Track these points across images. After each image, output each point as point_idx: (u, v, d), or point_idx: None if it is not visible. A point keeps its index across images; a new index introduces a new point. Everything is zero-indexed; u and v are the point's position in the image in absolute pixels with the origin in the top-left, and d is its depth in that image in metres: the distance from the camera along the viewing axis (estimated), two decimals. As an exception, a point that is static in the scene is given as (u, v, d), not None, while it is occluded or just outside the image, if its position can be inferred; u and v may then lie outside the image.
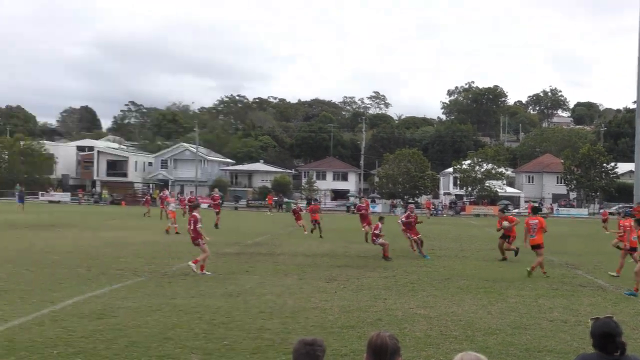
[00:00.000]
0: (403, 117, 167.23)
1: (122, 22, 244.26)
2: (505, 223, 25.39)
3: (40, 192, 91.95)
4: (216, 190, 46.53)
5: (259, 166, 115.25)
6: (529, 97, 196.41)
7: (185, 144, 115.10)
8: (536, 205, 33.34)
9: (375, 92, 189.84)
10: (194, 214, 19.94)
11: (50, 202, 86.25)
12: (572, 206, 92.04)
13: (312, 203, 42.18)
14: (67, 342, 10.56)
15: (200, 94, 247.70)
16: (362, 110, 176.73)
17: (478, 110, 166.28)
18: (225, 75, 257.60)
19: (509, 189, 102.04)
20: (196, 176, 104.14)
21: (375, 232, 25.02)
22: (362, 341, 10.79)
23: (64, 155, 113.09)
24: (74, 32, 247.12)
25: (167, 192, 46.74)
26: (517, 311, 14.19)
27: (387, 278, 19.25)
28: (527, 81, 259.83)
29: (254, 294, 15.80)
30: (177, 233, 33.57)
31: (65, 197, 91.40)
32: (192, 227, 19.60)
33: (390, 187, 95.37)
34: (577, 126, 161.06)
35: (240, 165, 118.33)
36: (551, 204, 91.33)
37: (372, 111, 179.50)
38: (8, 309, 13.27)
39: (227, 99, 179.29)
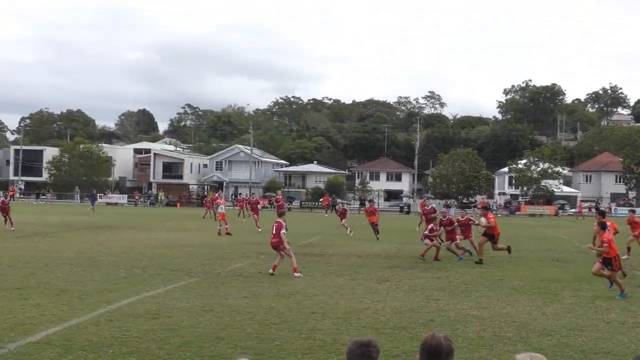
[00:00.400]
0: (458, 116, 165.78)
1: (178, 26, 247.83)
2: (483, 220, 24.51)
3: (99, 194, 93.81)
4: (278, 192, 46.54)
5: (313, 167, 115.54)
6: (588, 94, 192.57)
7: (239, 146, 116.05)
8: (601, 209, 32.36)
9: (430, 92, 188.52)
10: (279, 220, 19.90)
11: (108, 204, 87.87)
12: (631, 205, 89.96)
13: (368, 204, 40.50)
14: (122, 342, 10.74)
15: (255, 95, 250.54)
16: (416, 110, 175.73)
17: (535, 109, 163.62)
18: (279, 77, 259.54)
19: (566, 189, 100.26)
20: (250, 177, 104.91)
21: (426, 232, 24.89)
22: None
23: (122, 157, 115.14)
24: (131, 37, 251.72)
25: (218, 194, 47.06)
26: (572, 312, 13.93)
27: (440, 279, 19.10)
28: (586, 78, 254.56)
29: (305, 294, 15.84)
30: (228, 234, 33.78)
31: (123, 199, 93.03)
32: (275, 232, 19.57)
33: (444, 187, 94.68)
34: (638, 124, 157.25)
35: (294, 167, 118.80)
36: (609, 204, 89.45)
37: (426, 111, 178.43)
38: (66, 308, 13.55)
39: (281, 101, 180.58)
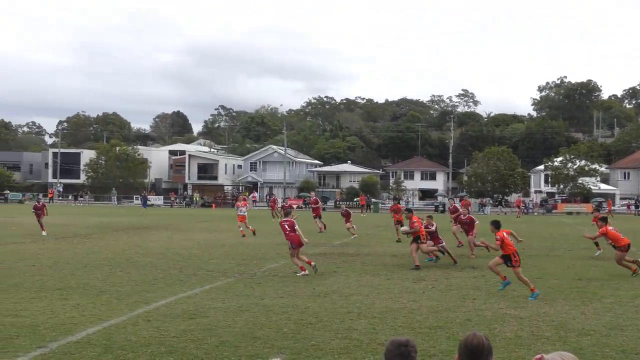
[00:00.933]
0: (492, 114, 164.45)
1: (210, 29, 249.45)
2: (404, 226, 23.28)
3: (135, 196, 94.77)
4: (312, 193, 46.29)
5: (347, 167, 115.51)
6: (625, 90, 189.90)
7: (273, 146, 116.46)
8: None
9: (463, 90, 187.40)
10: (289, 219, 19.98)
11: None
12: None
13: (394, 203, 39.71)
14: (160, 342, 10.85)
15: (288, 96, 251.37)
16: (450, 109, 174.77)
17: (570, 106, 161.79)
18: (312, 77, 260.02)
19: (603, 186, 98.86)
20: (284, 178, 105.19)
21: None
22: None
23: (157, 159, 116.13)
24: (165, 41, 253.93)
25: (248, 196, 46.92)
26: (612, 311, 13.74)
27: (476, 278, 18.98)
28: (623, 74, 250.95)
29: (341, 294, 15.84)
30: (243, 236, 33.21)
31: (158, 200, 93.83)
32: (289, 230, 19.59)
33: (479, 186, 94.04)
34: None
35: (328, 167, 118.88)
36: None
37: (460, 109, 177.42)
38: (105, 309, 13.73)
39: (314, 101, 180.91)
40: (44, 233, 32.69)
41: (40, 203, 35.51)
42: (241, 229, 34.27)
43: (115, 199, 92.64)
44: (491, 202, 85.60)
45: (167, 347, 10.49)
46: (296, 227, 19.51)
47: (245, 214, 35.36)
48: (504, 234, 16.29)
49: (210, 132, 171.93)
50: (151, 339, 11.01)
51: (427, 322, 12.59)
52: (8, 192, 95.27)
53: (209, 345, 10.62)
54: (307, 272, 19.09)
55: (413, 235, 21.70)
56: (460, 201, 42.04)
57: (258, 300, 14.90)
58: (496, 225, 16.65)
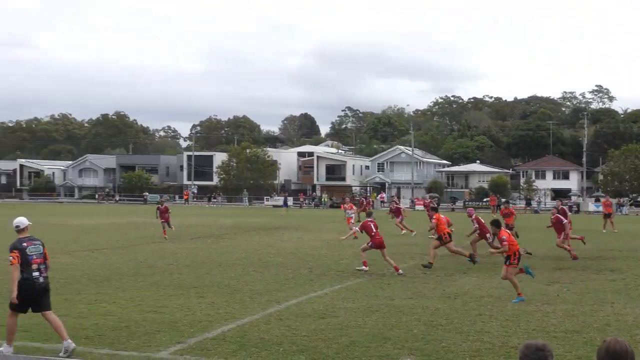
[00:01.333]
0: (629, 110, 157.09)
1: (337, 31, 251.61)
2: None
3: (265, 197, 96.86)
4: (426, 196, 45.61)
5: (476, 167, 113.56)
6: None
7: (401, 147, 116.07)
8: None
9: (597, 86, 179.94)
10: (371, 219, 20.37)
11: (274, 206, 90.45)
12: None
13: (503, 206, 34.71)
14: (292, 340, 11.06)
15: (414, 96, 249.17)
16: (583, 106, 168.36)
17: None
18: (438, 77, 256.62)
19: None
20: (412, 178, 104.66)
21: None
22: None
23: (286, 161, 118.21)
24: (292, 44, 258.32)
25: (376, 197, 46.92)
26: None
27: (615, 281, 18.20)
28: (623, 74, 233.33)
29: (472, 296, 15.62)
30: (355, 237, 33.09)
31: (288, 201, 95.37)
32: (376, 231, 19.91)
33: (616, 185, 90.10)
34: None
35: (456, 167, 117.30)
36: None
37: (594, 106, 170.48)
38: (239, 307, 14.14)
39: (441, 100, 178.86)
40: (165, 237, 31.35)
41: (163, 206, 33.56)
42: (353, 229, 34.33)
43: (247, 200, 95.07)
44: (629, 201, 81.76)
45: (299, 346, 10.69)
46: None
47: (352, 216, 35.66)
48: (507, 233, 15.82)
49: (338, 134, 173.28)
50: (283, 338, 11.25)
51: (563, 326, 12.21)
52: (147, 193, 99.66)
53: (340, 345, 10.73)
54: (401, 271, 19.42)
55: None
56: (601, 201, 39.96)
57: (388, 300, 14.92)
58: (497, 225, 16.28)
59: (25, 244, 10.29)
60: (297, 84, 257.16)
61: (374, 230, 19.78)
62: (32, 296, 10.29)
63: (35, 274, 10.24)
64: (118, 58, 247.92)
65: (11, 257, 10.13)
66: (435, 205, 31.75)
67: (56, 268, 20.32)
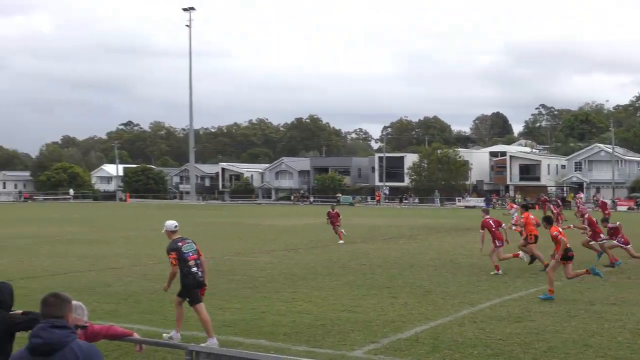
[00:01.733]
0: None
1: (530, 27, 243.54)
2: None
3: (457, 198, 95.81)
4: (579, 194, 42.75)
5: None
6: None
7: (600, 145, 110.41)
8: None
9: None
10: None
11: (466, 207, 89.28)
12: None
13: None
14: (486, 344, 10.87)
15: (614, 91, 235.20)
16: None
17: None
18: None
19: None
20: (613, 178, 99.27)
21: None
22: None
23: (478, 161, 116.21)
24: (484, 42, 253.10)
25: (574, 196, 44.86)
26: None
27: None
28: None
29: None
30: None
31: (480, 202, 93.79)
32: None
33: None
34: None
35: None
36: None
37: None
38: (431, 308, 14.11)
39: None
40: (340, 242, 30.31)
41: (334, 210, 32.87)
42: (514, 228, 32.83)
43: (438, 201, 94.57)
44: None
45: (493, 350, 10.49)
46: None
47: (515, 216, 34.31)
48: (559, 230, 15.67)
49: (531, 132, 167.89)
50: (477, 341, 11.08)
51: None
52: (340, 195, 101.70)
53: (537, 351, 10.41)
54: (500, 272, 19.33)
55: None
56: None
57: (587, 305, 14.26)
58: (548, 221, 16.24)
59: (180, 244, 11.13)
60: (489, 83, 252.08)
61: (493, 227, 20.34)
62: (195, 288, 11.08)
63: (194, 269, 11.02)
64: (309, 64, 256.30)
65: (171, 259, 11.04)
66: (527, 204, 31.66)
67: (256, 267, 21.43)
